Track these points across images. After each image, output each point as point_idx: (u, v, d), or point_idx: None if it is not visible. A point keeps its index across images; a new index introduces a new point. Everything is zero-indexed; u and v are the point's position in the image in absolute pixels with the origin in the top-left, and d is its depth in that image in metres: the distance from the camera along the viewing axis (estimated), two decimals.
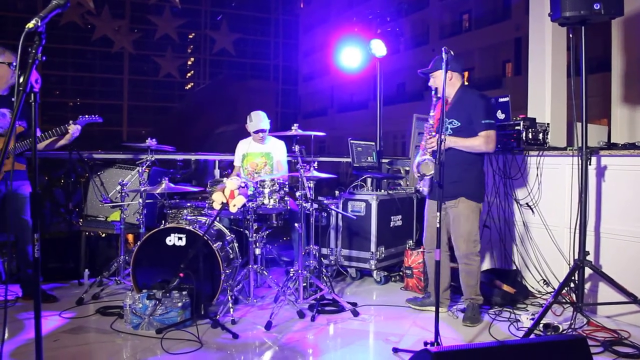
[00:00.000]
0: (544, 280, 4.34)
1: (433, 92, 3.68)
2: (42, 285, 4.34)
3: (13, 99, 3.48)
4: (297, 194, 4.08)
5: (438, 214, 3.04)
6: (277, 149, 4.96)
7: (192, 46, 45.68)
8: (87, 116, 4.16)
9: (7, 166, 3.84)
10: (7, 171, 3.89)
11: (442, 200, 3.17)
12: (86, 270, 4.78)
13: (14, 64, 2.16)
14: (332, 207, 4.76)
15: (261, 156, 4.90)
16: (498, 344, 2.68)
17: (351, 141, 5.36)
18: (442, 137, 3.09)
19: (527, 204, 4.54)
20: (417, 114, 5.48)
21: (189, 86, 46.27)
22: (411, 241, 5.26)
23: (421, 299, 4.15)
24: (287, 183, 4.17)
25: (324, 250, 5.10)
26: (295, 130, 4.19)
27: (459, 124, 3.72)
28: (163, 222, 4.22)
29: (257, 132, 4.83)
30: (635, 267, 3.71)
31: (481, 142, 3.68)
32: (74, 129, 4.09)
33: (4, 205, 4.01)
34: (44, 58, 2.05)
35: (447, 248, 3.95)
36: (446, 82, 3.26)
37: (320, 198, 5.01)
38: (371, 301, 4.37)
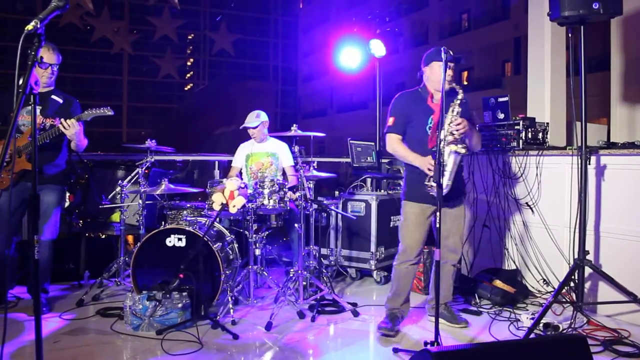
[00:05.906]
0: (544, 280, 4.34)
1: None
2: None
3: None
4: (297, 194, 4.08)
5: (438, 213, 2.96)
6: (282, 153, 4.88)
7: (191, 47, 45.69)
8: (94, 110, 3.85)
9: (17, 166, 3.64)
10: (16, 172, 3.66)
11: (440, 204, 3.03)
12: (86, 271, 4.77)
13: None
14: (332, 207, 4.76)
15: (267, 156, 4.86)
16: (498, 343, 2.68)
17: (351, 141, 5.36)
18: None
19: (526, 203, 4.54)
20: None
21: (189, 87, 46.27)
22: None
23: (390, 327, 3.52)
24: (286, 183, 4.16)
25: (324, 251, 5.10)
26: (294, 130, 4.19)
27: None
28: (163, 223, 4.22)
29: (243, 128, 4.84)
30: (635, 266, 3.72)
31: (480, 140, 3.64)
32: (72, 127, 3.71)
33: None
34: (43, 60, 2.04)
35: (418, 253, 3.63)
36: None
37: (320, 198, 5.01)
38: (371, 301, 4.37)
